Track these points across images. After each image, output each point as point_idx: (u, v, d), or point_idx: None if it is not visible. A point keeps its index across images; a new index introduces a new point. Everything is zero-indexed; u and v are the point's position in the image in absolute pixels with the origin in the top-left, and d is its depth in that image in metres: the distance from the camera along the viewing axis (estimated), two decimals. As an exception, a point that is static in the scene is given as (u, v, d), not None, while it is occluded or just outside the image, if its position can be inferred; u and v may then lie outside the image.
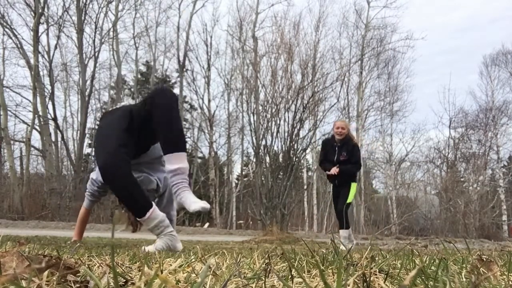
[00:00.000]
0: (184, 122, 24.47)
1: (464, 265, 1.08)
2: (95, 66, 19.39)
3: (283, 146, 11.38)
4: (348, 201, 5.49)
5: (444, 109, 29.48)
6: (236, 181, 24.98)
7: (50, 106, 17.80)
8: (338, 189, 5.63)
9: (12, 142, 18.58)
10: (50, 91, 17.90)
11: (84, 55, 18.71)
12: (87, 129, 20.03)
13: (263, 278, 0.79)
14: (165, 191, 3.28)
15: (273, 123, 11.79)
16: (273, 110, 11.92)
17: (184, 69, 22.34)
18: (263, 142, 11.79)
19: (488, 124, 22.06)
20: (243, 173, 25.59)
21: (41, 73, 18.00)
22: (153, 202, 2.80)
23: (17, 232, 6.39)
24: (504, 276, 0.93)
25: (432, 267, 1.00)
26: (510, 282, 0.86)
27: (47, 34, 18.81)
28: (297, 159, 11.57)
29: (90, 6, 19.11)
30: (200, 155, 24.71)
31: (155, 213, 2.74)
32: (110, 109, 3.21)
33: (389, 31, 22.54)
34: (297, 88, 11.93)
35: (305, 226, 21.28)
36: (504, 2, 34.45)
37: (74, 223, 3.85)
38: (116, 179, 2.68)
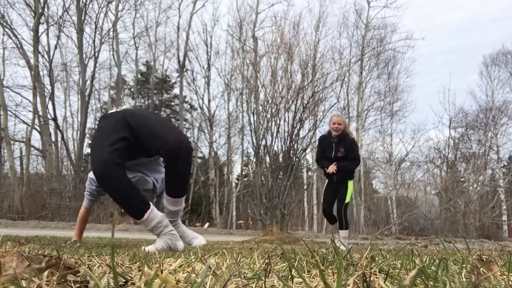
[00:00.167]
0: (184, 122, 24.50)
1: (464, 265, 1.08)
2: (95, 66, 19.40)
3: (283, 146, 11.37)
4: (346, 201, 5.44)
5: (444, 109, 29.44)
6: (236, 181, 24.98)
7: (50, 106, 17.83)
8: (334, 186, 5.53)
9: (12, 142, 18.58)
10: (50, 91, 17.91)
11: (84, 55, 18.71)
12: (87, 129, 20.03)
13: (263, 278, 0.79)
14: (162, 190, 3.27)
15: (273, 123, 11.79)
16: (273, 110, 11.91)
17: (184, 69, 22.35)
18: (263, 142, 11.79)
19: (488, 124, 22.07)
20: (243, 173, 25.59)
21: (41, 73, 18.01)
22: (151, 203, 2.80)
23: (17, 232, 6.39)
24: (504, 276, 0.93)
25: (432, 267, 1.00)
26: (510, 282, 0.86)
27: (47, 34, 18.83)
28: (297, 159, 11.56)
29: (90, 6, 19.13)
30: (200, 155, 24.73)
31: (153, 213, 2.73)
32: (110, 111, 3.17)
33: (389, 31, 22.55)
34: (297, 88, 11.91)
35: (305, 226, 21.29)
36: (504, 2, 34.47)
37: (74, 223, 3.86)
38: (109, 182, 2.68)
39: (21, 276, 0.70)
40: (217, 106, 23.06)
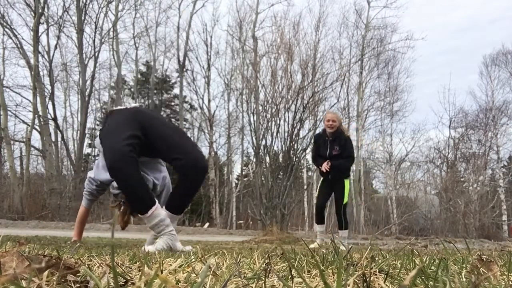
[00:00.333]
0: (184, 122, 24.50)
1: (464, 265, 1.08)
2: (95, 66, 19.39)
3: (283, 146, 11.37)
4: (345, 201, 5.43)
5: (444, 109, 29.48)
6: (236, 181, 24.98)
7: (50, 106, 17.82)
8: (329, 184, 5.51)
9: (12, 142, 18.58)
10: (50, 91, 17.91)
11: (84, 55, 18.71)
12: (87, 129, 20.05)
13: (263, 278, 0.79)
14: (162, 190, 3.28)
15: (273, 123, 11.78)
16: (273, 110, 11.91)
17: (184, 69, 22.35)
18: (263, 142, 11.79)
19: (488, 124, 22.06)
20: (243, 173, 25.59)
21: (41, 73, 18.00)
22: (156, 201, 2.82)
23: (17, 232, 6.39)
24: (504, 276, 0.93)
25: (432, 267, 1.00)
26: (510, 282, 0.86)
27: (47, 34, 18.83)
28: (297, 159, 11.56)
29: (90, 6, 19.12)
30: (200, 155, 24.66)
31: (158, 211, 2.77)
32: (120, 107, 3.24)
33: (389, 31, 22.56)
34: (297, 88, 11.91)
35: (305, 226, 21.28)
36: (504, 2, 34.48)
37: (74, 223, 3.86)
38: (123, 173, 2.71)
39: (21, 276, 0.70)
40: (217, 106, 23.10)
